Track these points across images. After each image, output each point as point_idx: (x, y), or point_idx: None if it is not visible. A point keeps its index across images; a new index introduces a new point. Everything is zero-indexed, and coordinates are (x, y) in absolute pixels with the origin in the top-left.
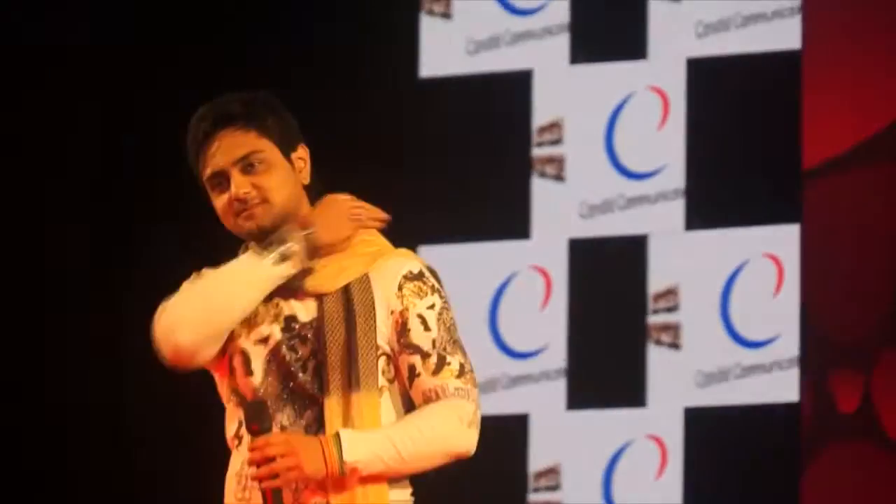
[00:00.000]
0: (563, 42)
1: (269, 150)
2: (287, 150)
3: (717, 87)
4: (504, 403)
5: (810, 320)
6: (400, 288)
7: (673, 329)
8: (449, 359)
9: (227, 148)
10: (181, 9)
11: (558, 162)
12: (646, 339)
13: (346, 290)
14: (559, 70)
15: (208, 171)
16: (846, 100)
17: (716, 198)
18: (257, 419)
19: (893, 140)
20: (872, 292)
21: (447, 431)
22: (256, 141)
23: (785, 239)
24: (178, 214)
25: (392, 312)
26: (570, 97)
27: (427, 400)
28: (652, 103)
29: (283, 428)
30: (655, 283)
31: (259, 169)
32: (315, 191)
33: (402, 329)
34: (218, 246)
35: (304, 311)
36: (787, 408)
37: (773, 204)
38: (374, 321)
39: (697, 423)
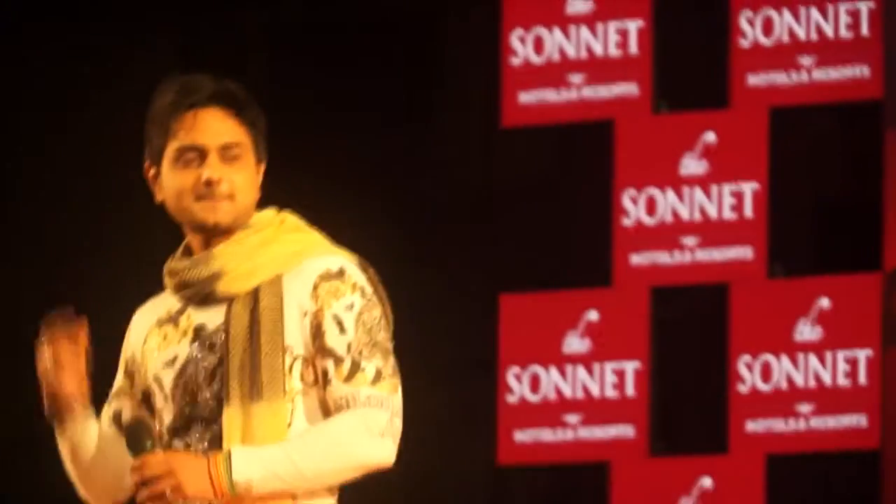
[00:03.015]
0: (644, 91)
1: (249, 149)
2: (259, 157)
3: (800, 135)
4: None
5: None
6: (315, 288)
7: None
8: (364, 364)
9: (216, 128)
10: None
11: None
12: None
13: (254, 293)
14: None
15: (184, 142)
16: None
17: (796, 247)
18: (137, 442)
19: None
20: None
21: (353, 444)
22: (244, 135)
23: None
24: None
25: (306, 314)
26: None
27: (338, 408)
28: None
29: (187, 446)
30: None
31: (237, 163)
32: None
33: (316, 331)
34: None
35: (214, 317)
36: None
37: (852, 252)
38: (282, 325)
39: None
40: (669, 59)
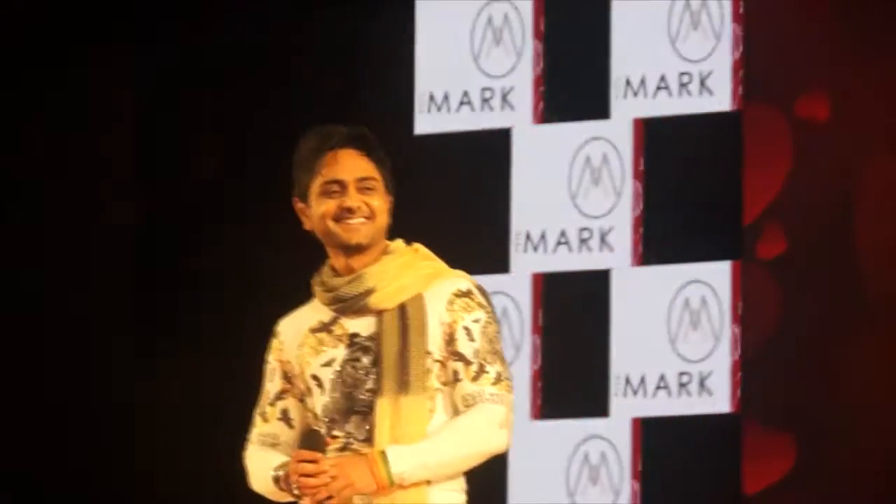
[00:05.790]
0: (526, 106)
1: (380, 180)
2: (388, 189)
3: (666, 143)
4: None
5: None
6: (451, 303)
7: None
8: (488, 367)
9: (352, 165)
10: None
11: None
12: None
13: (402, 306)
14: (532, 128)
15: (326, 177)
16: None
17: (665, 237)
18: (313, 447)
19: None
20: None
21: (481, 434)
22: (375, 170)
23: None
24: None
25: (443, 323)
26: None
27: (466, 403)
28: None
29: (348, 435)
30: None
31: (371, 192)
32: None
33: (450, 339)
34: None
35: (366, 326)
36: (723, 418)
37: (714, 243)
38: (426, 333)
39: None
40: (557, 78)
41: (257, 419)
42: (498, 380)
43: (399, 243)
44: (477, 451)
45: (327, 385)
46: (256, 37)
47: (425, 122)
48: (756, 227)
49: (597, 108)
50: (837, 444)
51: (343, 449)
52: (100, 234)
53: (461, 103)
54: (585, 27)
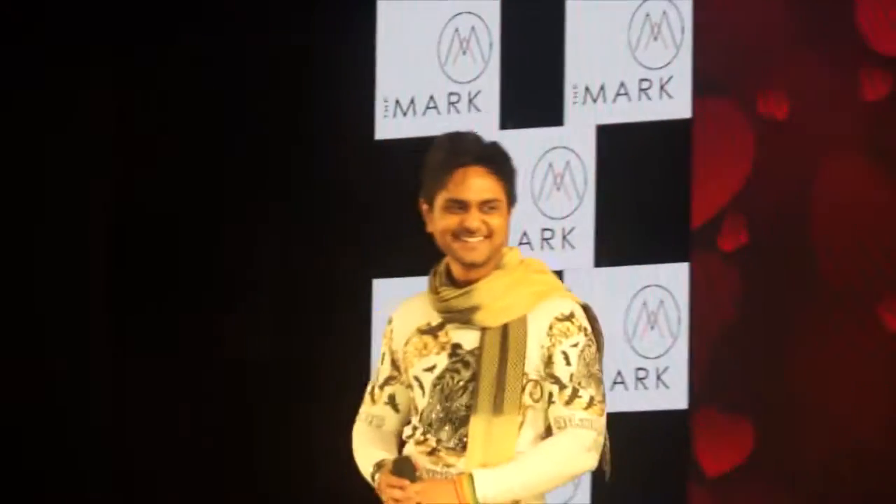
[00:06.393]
0: (493, 111)
1: (504, 200)
2: (511, 205)
3: (622, 149)
4: None
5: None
6: (550, 327)
7: None
8: (581, 392)
9: (478, 186)
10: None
11: None
12: None
13: (504, 327)
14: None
15: (452, 195)
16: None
17: (618, 241)
18: (402, 473)
19: None
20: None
21: (568, 459)
22: (500, 190)
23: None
24: None
25: (542, 347)
26: None
27: (557, 425)
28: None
29: (438, 441)
30: None
31: (493, 212)
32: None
33: (548, 361)
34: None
35: (469, 339)
36: (676, 415)
37: (665, 246)
38: (524, 357)
39: None
40: (514, 88)
41: (367, 397)
42: (590, 404)
43: (513, 255)
44: (562, 474)
45: (427, 389)
46: (229, 41)
47: (387, 128)
48: (718, 220)
49: (555, 115)
50: (794, 431)
51: (431, 453)
52: (87, 233)
53: (427, 108)
54: (545, 35)
